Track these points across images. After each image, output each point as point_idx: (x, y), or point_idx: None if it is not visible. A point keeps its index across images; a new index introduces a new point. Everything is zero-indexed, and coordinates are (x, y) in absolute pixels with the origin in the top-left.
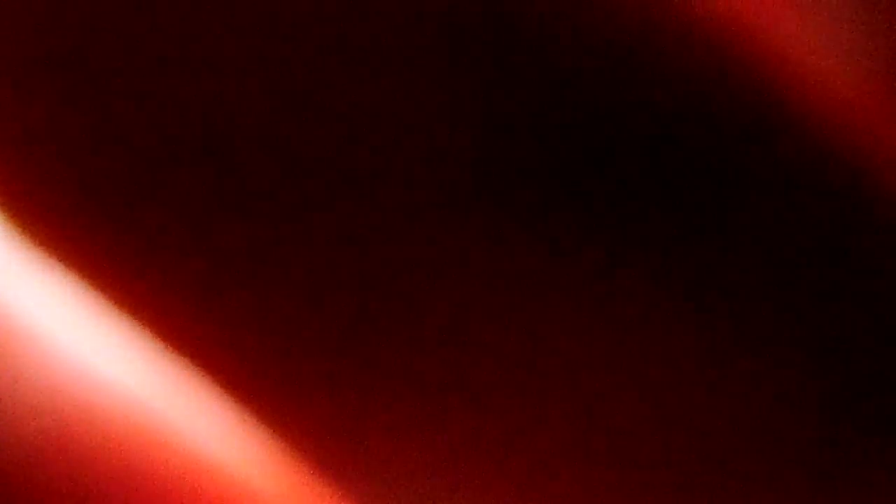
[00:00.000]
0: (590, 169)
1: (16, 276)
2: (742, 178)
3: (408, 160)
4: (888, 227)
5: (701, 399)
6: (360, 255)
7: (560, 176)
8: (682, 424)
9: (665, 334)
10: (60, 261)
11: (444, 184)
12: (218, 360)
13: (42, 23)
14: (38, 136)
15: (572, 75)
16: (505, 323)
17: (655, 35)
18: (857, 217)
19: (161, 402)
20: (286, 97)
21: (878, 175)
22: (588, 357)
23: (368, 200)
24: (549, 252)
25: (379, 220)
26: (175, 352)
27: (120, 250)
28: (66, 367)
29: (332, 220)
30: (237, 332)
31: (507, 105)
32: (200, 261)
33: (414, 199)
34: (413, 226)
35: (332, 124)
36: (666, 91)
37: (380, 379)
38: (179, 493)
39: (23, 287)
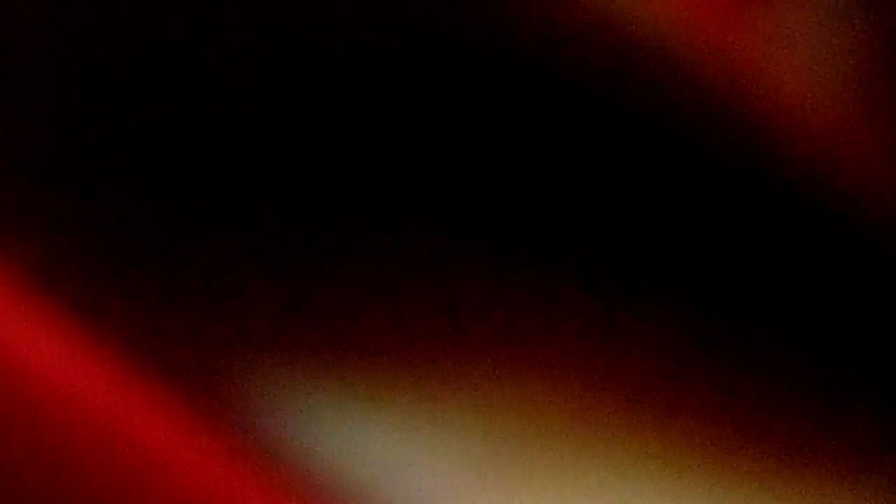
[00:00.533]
0: (587, 223)
1: None
2: (736, 199)
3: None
4: (874, 244)
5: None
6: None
7: (556, 227)
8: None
9: (668, 362)
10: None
11: (447, 228)
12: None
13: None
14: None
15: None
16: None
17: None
18: (846, 232)
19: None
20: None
21: (862, 192)
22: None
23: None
24: (545, 301)
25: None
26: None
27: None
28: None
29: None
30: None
31: (513, 152)
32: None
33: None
34: (415, 264)
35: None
36: (669, 122)
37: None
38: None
39: None
